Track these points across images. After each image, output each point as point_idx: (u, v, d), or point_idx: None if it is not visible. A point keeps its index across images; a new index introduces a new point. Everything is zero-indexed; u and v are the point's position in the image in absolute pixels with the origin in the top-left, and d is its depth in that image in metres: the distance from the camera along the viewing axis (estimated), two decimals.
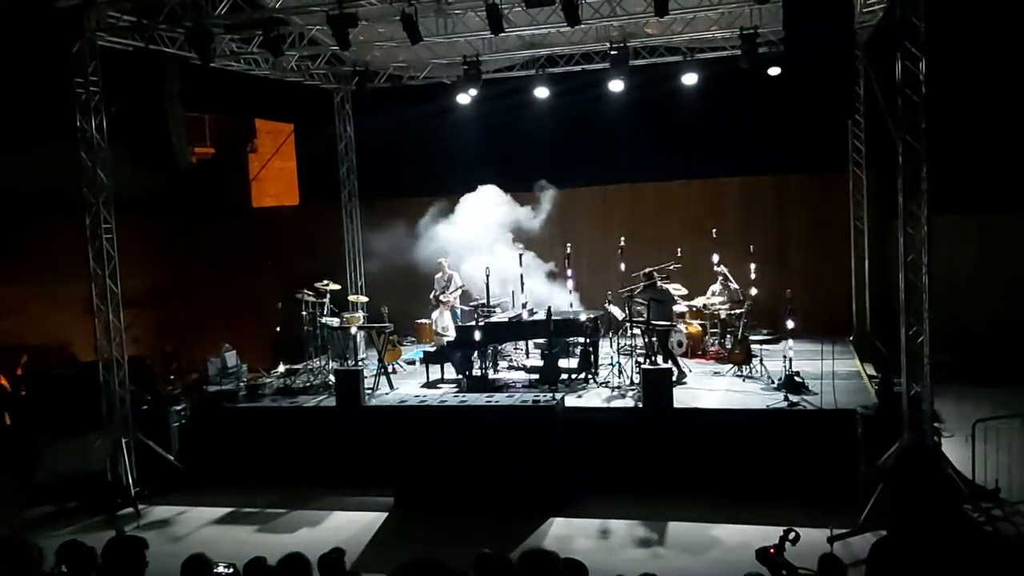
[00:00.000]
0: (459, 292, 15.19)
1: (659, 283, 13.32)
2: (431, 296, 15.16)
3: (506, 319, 13.88)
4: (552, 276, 15.33)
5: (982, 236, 15.97)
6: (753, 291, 14.14)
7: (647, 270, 13.33)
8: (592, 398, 12.17)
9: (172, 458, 12.25)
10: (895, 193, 9.75)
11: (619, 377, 12.51)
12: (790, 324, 12.34)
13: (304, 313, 14.30)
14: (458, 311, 15.17)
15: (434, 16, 12.34)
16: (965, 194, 14.97)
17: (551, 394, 11.38)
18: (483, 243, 15.16)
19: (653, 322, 12.34)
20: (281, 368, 14.66)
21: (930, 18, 9.42)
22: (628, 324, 13.13)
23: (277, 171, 21.34)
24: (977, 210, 15.62)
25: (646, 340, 12.43)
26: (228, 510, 11.31)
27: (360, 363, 14.73)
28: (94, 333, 11.90)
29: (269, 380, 14.22)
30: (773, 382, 12.14)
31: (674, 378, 12.07)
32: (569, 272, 14.74)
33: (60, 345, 15.63)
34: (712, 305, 14.55)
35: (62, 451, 12.13)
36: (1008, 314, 15.13)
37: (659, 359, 12.30)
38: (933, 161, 9.51)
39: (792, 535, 4.92)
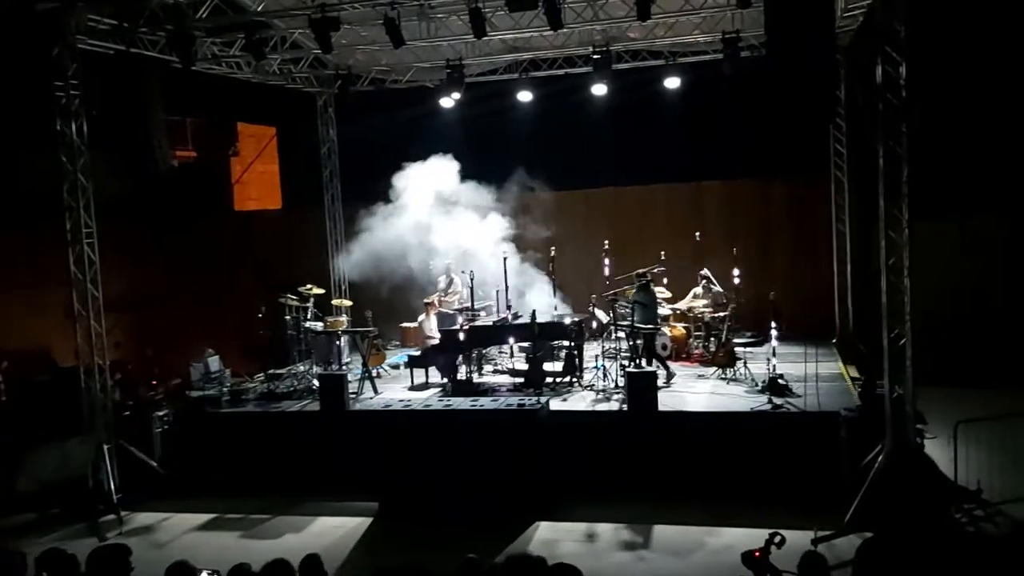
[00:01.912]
0: (457, 297, 15.09)
1: (650, 285, 13.32)
2: (433, 298, 15.01)
3: (491, 323, 13.86)
4: (537, 279, 15.27)
5: (963, 239, 16.05)
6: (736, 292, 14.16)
7: (640, 271, 13.33)
8: (577, 402, 12.18)
9: (155, 464, 12.17)
10: (876, 197, 9.81)
11: (604, 380, 12.52)
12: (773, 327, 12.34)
13: (287, 317, 14.25)
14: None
15: (417, 20, 12.35)
16: (946, 198, 15.05)
17: (536, 398, 11.38)
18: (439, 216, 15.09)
19: (637, 325, 12.36)
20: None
21: (911, 22, 9.49)
22: (613, 327, 13.13)
23: (259, 175, 21.22)
24: (958, 213, 15.71)
25: (631, 343, 12.45)
26: (212, 516, 11.24)
27: (344, 367, 14.65)
28: (75, 338, 11.79)
29: (252, 385, 14.14)
30: (757, 385, 12.17)
31: (663, 380, 12.12)
32: (553, 275, 14.73)
33: (41, 350, 15.46)
34: (696, 308, 14.58)
35: (43, 457, 12.01)
36: (989, 316, 15.24)
37: (644, 362, 12.32)
38: (914, 165, 9.58)
39: (778, 539, 4.95)
